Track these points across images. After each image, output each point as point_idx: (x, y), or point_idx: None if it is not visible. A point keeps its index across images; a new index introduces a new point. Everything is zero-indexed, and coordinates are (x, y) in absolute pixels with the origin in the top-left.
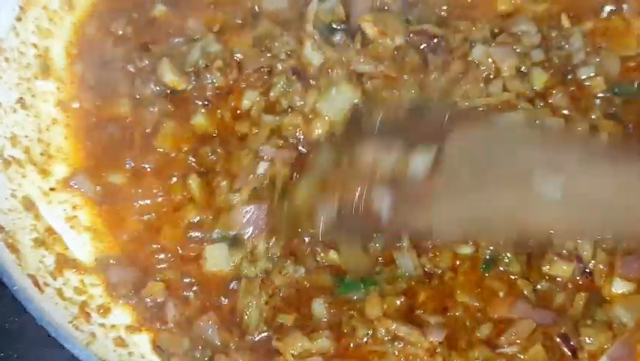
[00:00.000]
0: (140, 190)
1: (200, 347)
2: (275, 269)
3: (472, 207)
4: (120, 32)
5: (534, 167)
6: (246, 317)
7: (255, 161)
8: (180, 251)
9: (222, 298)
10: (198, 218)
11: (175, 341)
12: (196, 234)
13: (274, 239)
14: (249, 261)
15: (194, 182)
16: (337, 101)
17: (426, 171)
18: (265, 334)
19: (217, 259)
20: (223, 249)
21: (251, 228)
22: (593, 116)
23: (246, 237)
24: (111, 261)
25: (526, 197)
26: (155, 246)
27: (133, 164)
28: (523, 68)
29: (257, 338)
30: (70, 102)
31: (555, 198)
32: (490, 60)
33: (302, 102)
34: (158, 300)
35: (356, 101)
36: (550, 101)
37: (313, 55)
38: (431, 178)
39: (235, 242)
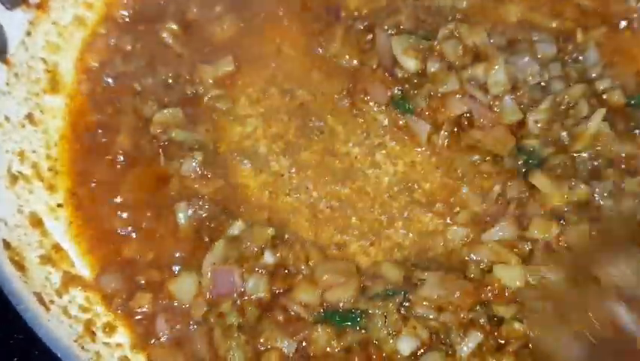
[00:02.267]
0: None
1: None
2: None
3: None
4: (128, 48)
5: None
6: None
7: None
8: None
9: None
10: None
11: (169, 358)
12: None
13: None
14: (216, 315)
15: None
16: None
17: None
18: None
19: (181, 289)
20: (189, 284)
21: (218, 289)
22: None
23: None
24: (104, 270)
25: None
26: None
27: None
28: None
29: None
30: (76, 118)
31: None
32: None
33: None
34: (146, 310)
35: None
36: None
37: None
38: None
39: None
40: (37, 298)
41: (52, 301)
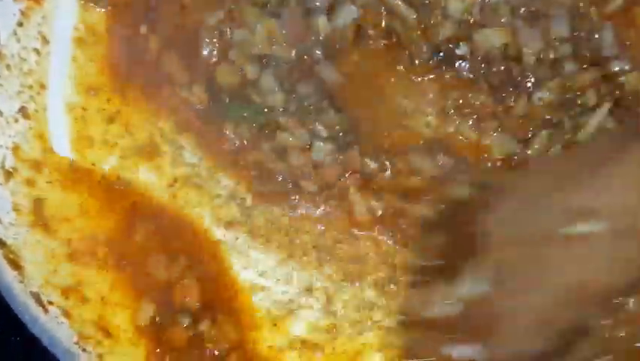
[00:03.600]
0: None
1: None
2: None
3: None
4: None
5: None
6: None
7: None
8: None
9: None
10: None
11: None
12: None
13: None
14: None
15: None
16: None
17: None
18: None
19: None
20: None
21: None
22: None
23: None
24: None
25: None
26: None
27: None
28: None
29: None
30: None
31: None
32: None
33: None
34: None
35: None
36: None
37: None
38: None
39: None
40: (34, 298)
41: (50, 302)
